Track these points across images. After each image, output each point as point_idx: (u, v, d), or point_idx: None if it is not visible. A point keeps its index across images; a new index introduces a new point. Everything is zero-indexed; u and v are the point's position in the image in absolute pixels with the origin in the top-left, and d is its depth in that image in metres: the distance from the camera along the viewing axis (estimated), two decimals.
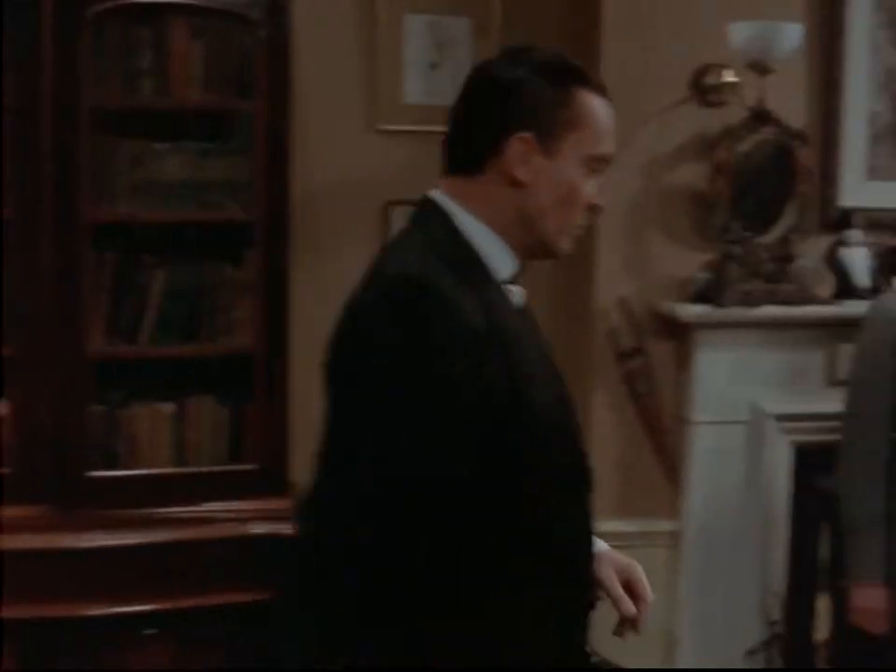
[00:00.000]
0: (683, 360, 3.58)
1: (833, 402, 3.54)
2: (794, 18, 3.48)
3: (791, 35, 3.28)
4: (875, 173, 3.72)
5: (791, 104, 3.56)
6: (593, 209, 1.72)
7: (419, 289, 1.55)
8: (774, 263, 3.52)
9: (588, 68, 1.75)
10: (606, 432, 3.57)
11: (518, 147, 1.64)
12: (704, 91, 3.49)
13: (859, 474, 2.88)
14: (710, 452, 3.56)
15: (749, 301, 3.47)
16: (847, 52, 3.61)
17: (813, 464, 3.63)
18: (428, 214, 1.70)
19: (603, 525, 3.44)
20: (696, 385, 3.54)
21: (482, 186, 1.67)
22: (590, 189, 1.70)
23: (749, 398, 3.57)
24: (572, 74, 1.71)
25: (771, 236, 3.53)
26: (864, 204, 3.66)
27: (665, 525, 3.60)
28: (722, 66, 3.46)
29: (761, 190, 3.52)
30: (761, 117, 3.44)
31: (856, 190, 3.69)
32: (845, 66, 3.61)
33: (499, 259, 1.69)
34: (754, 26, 3.25)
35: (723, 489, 3.58)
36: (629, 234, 3.54)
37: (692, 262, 3.57)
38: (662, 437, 3.58)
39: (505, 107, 1.66)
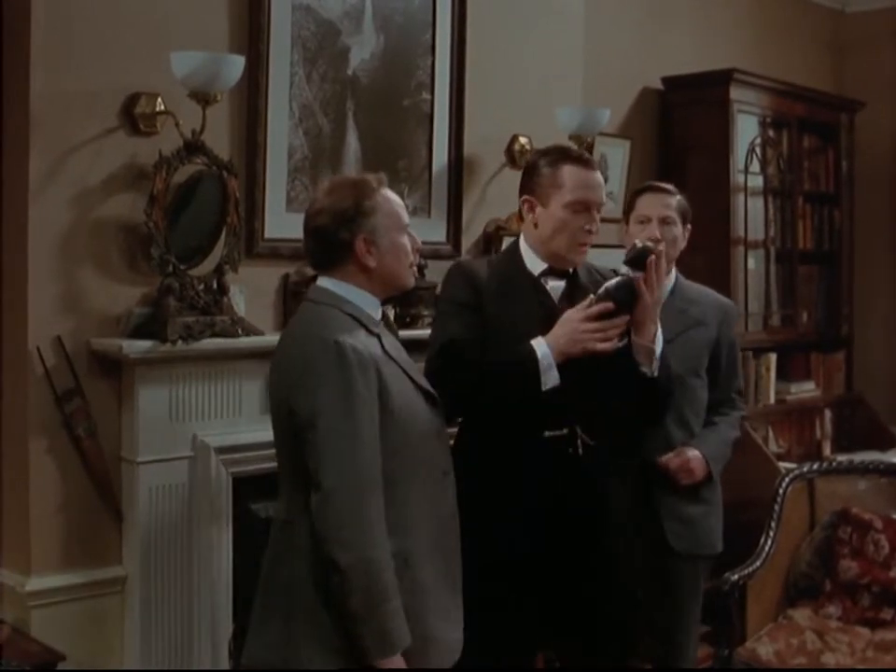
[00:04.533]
0: (124, 399, 3.44)
1: (267, 431, 3.63)
2: (222, 50, 3.49)
3: (234, 67, 3.27)
4: (292, 205, 3.83)
5: (219, 134, 3.56)
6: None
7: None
8: (209, 295, 3.51)
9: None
10: (48, 480, 3.33)
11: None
12: (136, 119, 3.40)
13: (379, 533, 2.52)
14: (155, 490, 3.46)
15: (191, 334, 3.42)
16: (270, 87, 3.68)
17: (248, 492, 3.68)
18: None
19: (47, 580, 3.28)
20: (138, 423, 3.42)
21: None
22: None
23: (191, 432, 3.53)
24: None
25: (205, 267, 3.52)
26: (286, 235, 3.74)
27: (116, 571, 3.44)
28: (156, 95, 3.39)
29: (195, 221, 3.50)
30: (193, 147, 3.41)
31: (278, 222, 3.78)
32: (268, 101, 3.68)
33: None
34: (198, 57, 3.20)
35: (169, 527, 3.49)
36: (61, 270, 3.32)
37: (127, 297, 3.45)
38: (105, 481, 3.41)
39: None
